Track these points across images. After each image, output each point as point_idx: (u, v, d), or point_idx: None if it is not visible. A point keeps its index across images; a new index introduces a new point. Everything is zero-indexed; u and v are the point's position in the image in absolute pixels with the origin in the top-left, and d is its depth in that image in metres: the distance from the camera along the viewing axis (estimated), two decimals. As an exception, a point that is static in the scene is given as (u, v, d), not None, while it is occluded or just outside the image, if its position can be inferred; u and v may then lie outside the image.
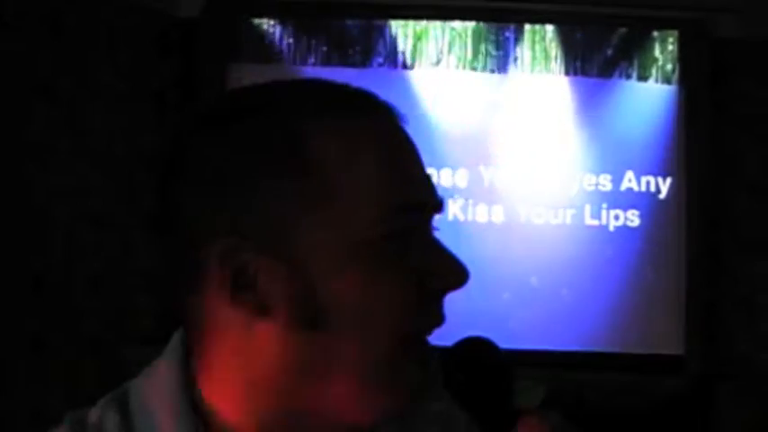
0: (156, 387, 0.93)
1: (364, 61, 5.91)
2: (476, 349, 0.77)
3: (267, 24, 5.96)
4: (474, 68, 5.91)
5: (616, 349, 5.70)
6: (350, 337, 0.84)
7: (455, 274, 0.88)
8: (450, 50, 5.92)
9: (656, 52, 5.91)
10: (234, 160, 0.84)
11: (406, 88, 5.91)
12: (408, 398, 0.88)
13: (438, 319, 0.89)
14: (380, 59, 5.92)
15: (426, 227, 0.90)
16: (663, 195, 5.87)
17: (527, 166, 5.86)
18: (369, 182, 0.85)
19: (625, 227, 5.84)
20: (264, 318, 0.84)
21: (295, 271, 0.83)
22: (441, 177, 5.69)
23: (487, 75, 5.90)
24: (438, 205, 0.91)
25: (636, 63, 5.90)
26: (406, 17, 5.93)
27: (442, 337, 1.03)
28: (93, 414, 0.95)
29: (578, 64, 5.90)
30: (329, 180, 0.84)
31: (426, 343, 0.89)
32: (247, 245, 0.83)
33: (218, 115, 0.88)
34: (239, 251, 0.83)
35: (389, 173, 0.86)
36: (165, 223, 0.88)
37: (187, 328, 0.93)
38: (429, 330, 0.89)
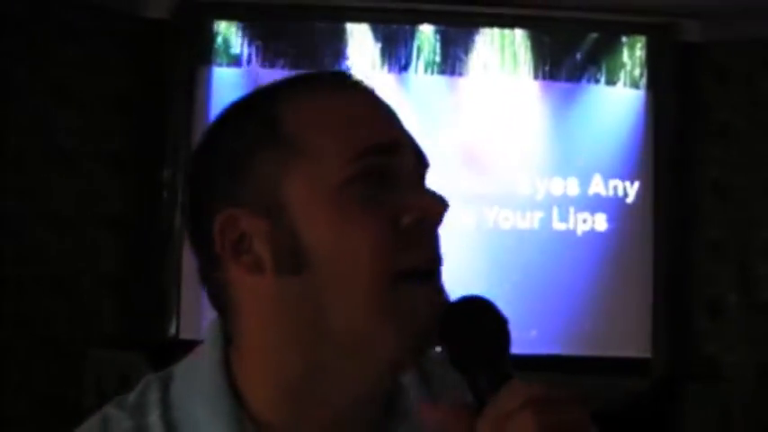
0: (196, 378, 1.02)
1: (332, 65, 5.90)
2: (472, 308, 0.77)
3: (236, 27, 5.94)
4: (442, 72, 5.92)
5: (583, 352, 5.73)
6: (334, 276, 0.92)
7: (430, 204, 0.96)
8: (418, 54, 5.92)
9: (624, 57, 5.94)
10: (226, 146, 0.98)
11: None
12: (418, 325, 0.92)
13: (427, 252, 0.96)
14: (349, 63, 5.92)
15: (400, 170, 0.96)
16: (630, 199, 5.91)
17: (494, 169, 5.87)
18: (334, 136, 0.95)
19: (593, 231, 5.87)
20: (261, 274, 0.94)
21: (278, 224, 0.94)
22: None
23: (456, 78, 5.91)
24: (409, 150, 0.98)
25: (604, 68, 5.93)
26: (374, 21, 5.93)
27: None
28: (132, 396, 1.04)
29: (547, 68, 5.93)
30: (300, 143, 0.95)
31: (432, 278, 0.95)
32: (242, 213, 0.95)
33: (220, 113, 1.02)
34: (236, 221, 0.95)
35: (354, 126, 0.96)
36: (192, 215, 1.01)
37: (218, 311, 1.02)
38: (424, 266, 0.95)
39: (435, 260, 0.96)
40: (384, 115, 0.99)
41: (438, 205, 0.96)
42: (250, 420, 0.96)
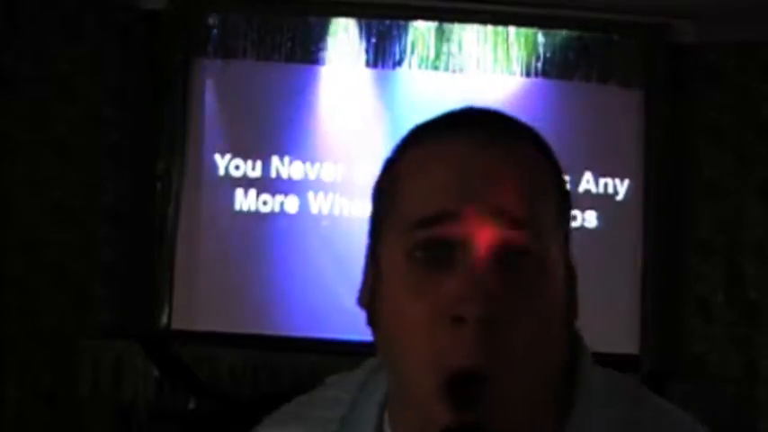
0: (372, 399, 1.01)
1: (327, 58, 5.93)
2: None
3: (231, 20, 5.95)
4: (436, 68, 5.95)
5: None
6: (390, 347, 0.90)
7: (465, 302, 0.84)
8: (412, 50, 5.95)
9: (617, 56, 5.97)
10: (378, 185, 0.96)
11: (368, 86, 5.95)
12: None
13: (460, 359, 0.84)
14: (343, 57, 5.94)
15: (463, 246, 0.86)
16: (620, 197, 5.94)
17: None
18: (411, 197, 0.90)
19: (583, 228, 5.89)
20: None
21: (375, 274, 0.93)
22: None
23: (449, 74, 5.94)
24: (476, 221, 0.86)
25: (597, 66, 5.96)
26: (368, 16, 5.95)
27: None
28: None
29: (539, 66, 5.95)
30: (394, 196, 0.92)
31: (456, 390, 0.85)
32: (374, 254, 0.94)
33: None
34: (373, 260, 0.94)
35: (426, 189, 0.89)
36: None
37: None
38: (450, 376, 0.85)
39: (470, 365, 0.84)
40: (465, 177, 0.88)
41: (474, 306, 0.84)
42: None
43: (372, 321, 0.93)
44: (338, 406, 1.01)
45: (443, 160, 0.89)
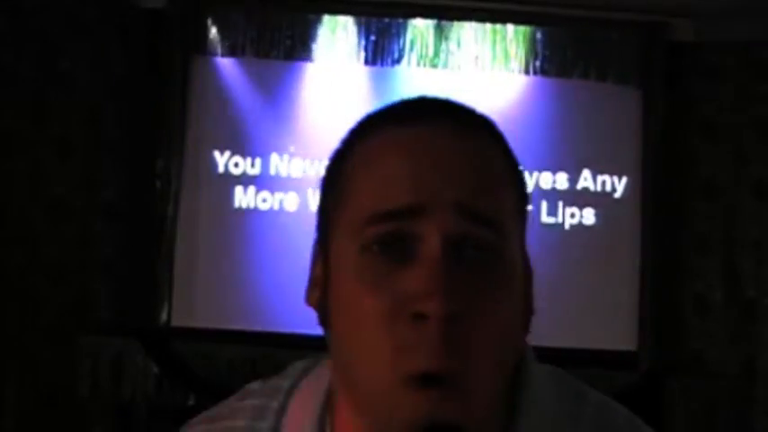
0: (311, 396, 0.97)
1: (327, 56, 5.94)
2: None
3: (231, 17, 5.96)
4: (434, 66, 5.96)
5: (569, 344, 5.77)
6: (345, 345, 0.87)
7: (428, 299, 0.81)
8: (411, 47, 5.96)
9: (615, 54, 5.98)
10: (326, 178, 0.94)
11: (367, 84, 5.96)
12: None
13: (425, 357, 0.81)
14: (343, 55, 5.95)
15: (423, 240, 0.83)
16: (618, 194, 5.96)
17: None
18: (366, 191, 0.86)
19: (581, 225, 5.91)
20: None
21: (325, 271, 0.90)
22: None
23: (448, 72, 5.95)
24: (440, 214, 0.83)
25: (595, 64, 5.97)
26: (368, 14, 5.96)
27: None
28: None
29: (538, 63, 5.97)
30: (345, 190, 0.89)
31: (431, 386, 0.82)
32: (323, 249, 0.91)
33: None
34: (322, 256, 0.91)
35: (383, 182, 0.85)
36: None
37: None
38: (416, 373, 0.82)
39: (435, 366, 0.81)
40: (422, 169, 0.84)
41: (435, 303, 0.80)
42: None
43: (323, 320, 0.89)
44: (266, 414, 0.97)
45: (399, 151, 0.86)
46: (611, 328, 5.86)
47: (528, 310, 0.92)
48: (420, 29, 5.97)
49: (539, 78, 5.98)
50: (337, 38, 5.95)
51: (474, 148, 0.87)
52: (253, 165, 5.88)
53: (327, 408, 0.94)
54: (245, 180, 5.88)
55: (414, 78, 5.94)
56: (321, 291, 0.89)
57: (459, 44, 5.96)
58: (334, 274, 0.88)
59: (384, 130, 0.88)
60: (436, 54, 5.96)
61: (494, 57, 5.97)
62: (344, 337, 0.86)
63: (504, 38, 5.97)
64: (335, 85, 5.94)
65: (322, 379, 0.95)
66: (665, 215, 5.88)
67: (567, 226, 5.91)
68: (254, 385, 1.01)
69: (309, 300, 0.91)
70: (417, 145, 0.86)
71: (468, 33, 5.97)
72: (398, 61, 5.96)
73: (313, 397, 0.95)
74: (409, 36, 5.96)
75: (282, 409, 0.96)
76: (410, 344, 0.81)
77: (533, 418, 0.91)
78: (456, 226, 0.83)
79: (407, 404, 0.81)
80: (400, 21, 5.96)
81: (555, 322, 5.83)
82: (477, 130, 0.90)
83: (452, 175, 0.84)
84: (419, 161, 0.85)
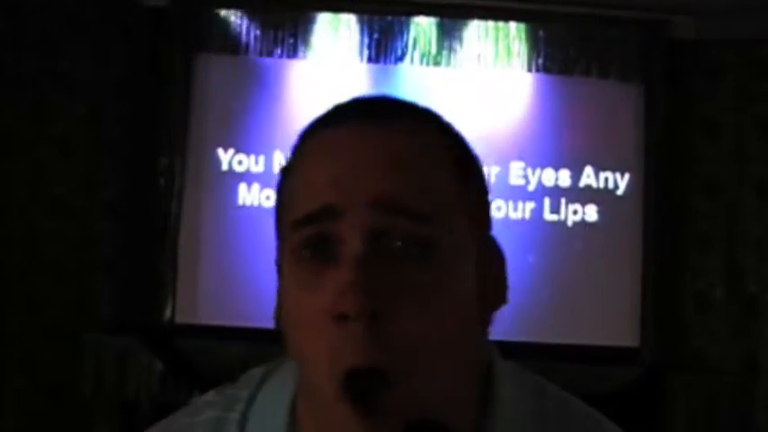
0: (277, 397, 0.97)
1: (329, 54, 5.95)
2: None
3: (233, 15, 5.97)
4: (437, 64, 5.98)
5: (571, 341, 5.79)
6: (291, 345, 0.87)
7: (341, 297, 0.81)
8: (414, 45, 5.97)
9: (617, 52, 5.99)
10: (277, 182, 0.92)
11: (370, 82, 5.97)
12: None
13: (350, 359, 0.81)
14: (345, 53, 5.96)
15: (344, 240, 0.83)
16: (621, 191, 5.97)
17: (487, 160, 5.92)
18: (296, 194, 0.87)
19: (583, 222, 5.93)
20: None
21: (279, 269, 0.90)
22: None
23: (450, 70, 5.97)
24: (358, 213, 0.83)
25: (597, 61, 5.98)
26: (371, 11, 5.97)
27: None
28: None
29: (540, 61, 5.98)
30: (285, 193, 0.90)
31: (359, 395, 0.81)
32: (279, 252, 0.90)
33: None
34: (278, 259, 0.90)
35: (306, 184, 0.87)
36: None
37: None
38: (346, 379, 0.82)
39: (362, 363, 0.81)
40: (340, 170, 0.85)
41: (351, 302, 0.80)
42: None
43: (277, 320, 0.89)
44: (227, 426, 0.96)
45: (326, 153, 0.86)
46: (613, 324, 5.87)
47: (488, 301, 0.91)
48: (423, 27, 5.98)
49: (541, 76, 5.99)
50: (340, 36, 5.96)
51: (400, 145, 0.86)
52: (256, 162, 5.90)
53: (293, 413, 0.94)
54: (248, 177, 5.89)
55: (416, 76, 5.95)
56: (278, 303, 0.90)
57: (461, 42, 5.97)
58: (282, 283, 0.89)
59: (317, 134, 0.89)
60: (439, 52, 5.97)
61: (496, 54, 5.98)
62: (289, 339, 0.87)
63: (506, 35, 5.98)
64: (338, 82, 5.95)
65: (286, 386, 0.95)
66: (666, 212, 5.90)
67: (569, 223, 5.93)
68: (208, 397, 1.01)
69: (276, 300, 0.91)
70: (340, 146, 0.86)
71: (471, 31, 5.98)
72: (401, 59, 5.97)
73: (277, 403, 0.95)
74: (412, 34, 5.97)
75: (245, 418, 0.96)
76: (337, 344, 0.81)
77: (500, 419, 0.91)
78: (376, 222, 0.83)
79: (345, 410, 0.81)
80: (403, 19, 5.97)
81: (557, 318, 5.85)
82: (410, 126, 0.88)
83: (371, 172, 0.84)
84: (338, 162, 0.85)
